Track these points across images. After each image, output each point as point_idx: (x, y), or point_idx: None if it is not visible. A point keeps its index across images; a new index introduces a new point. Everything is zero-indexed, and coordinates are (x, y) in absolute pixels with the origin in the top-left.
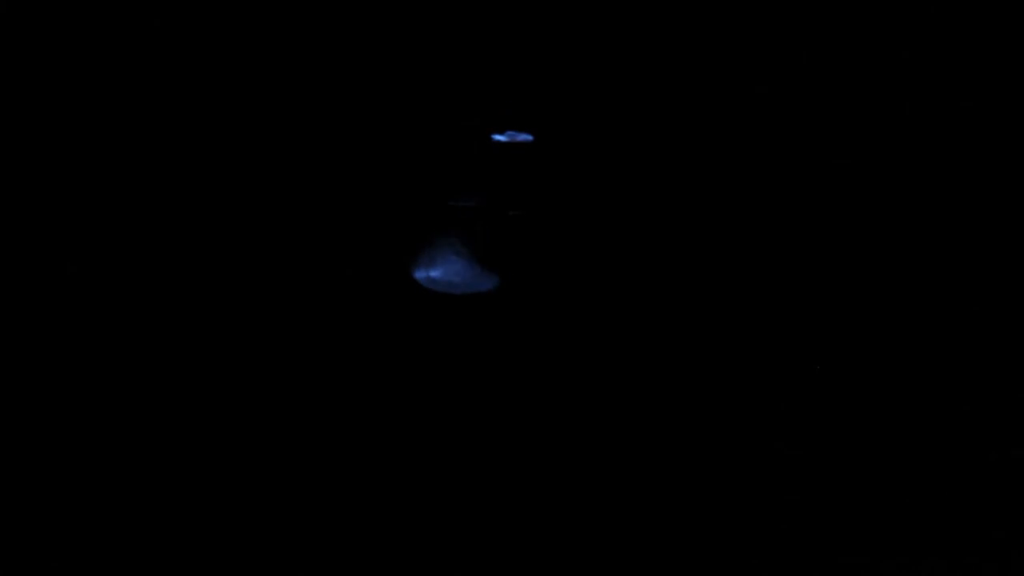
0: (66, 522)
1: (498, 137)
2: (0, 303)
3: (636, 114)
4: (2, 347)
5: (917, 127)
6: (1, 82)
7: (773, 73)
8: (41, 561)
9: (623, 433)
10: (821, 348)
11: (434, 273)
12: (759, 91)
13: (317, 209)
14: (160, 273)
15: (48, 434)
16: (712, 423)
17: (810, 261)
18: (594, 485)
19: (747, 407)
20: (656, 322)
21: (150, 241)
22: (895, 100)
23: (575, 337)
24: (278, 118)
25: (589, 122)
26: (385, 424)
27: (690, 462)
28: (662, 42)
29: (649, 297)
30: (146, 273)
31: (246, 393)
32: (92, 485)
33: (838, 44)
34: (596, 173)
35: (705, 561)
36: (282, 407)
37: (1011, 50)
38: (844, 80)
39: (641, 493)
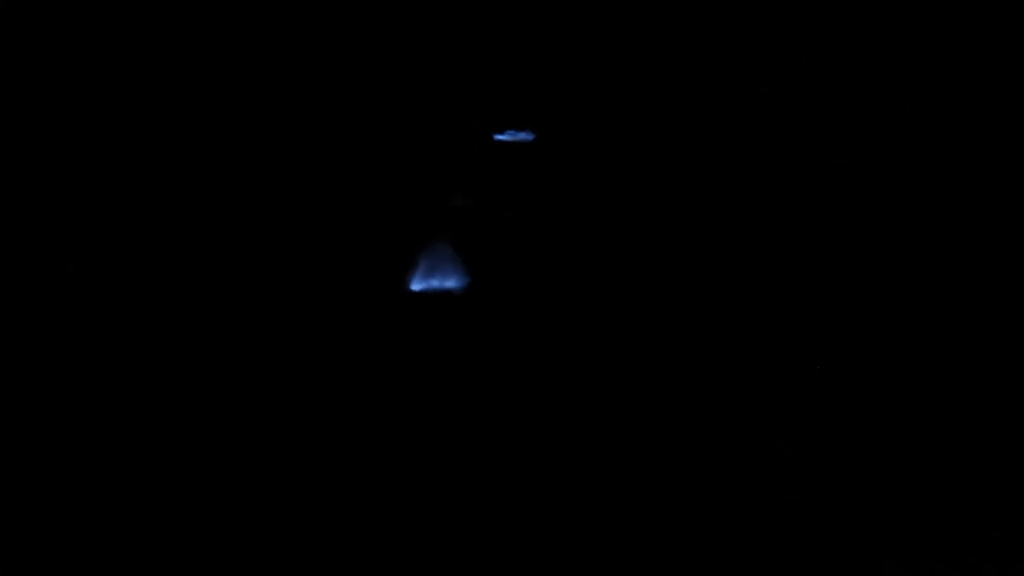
0: (66, 522)
1: (499, 136)
2: (0, 303)
3: (636, 114)
4: (2, 347)
5: (917, 127)
6: (1, 82)
7: (773, 73)
8: (41, 561)
9: (623, 433)
10: (821, 348)
11: (433, 282)
12: (759, 91)
13: (317, 209)
14: (160, 273)
15: (48, 434)
16: (712, 423)
17: (810, 261)
18: (594, 484)
19: (747, 407)
20: (656, 322)
21: (150, 241)
22: (895, 100)
23: (574, 337)
24: (278, 119)
25: (588, 122)
26: (379, 426)
27: (690, 462)
28: (662, 42)
29: (649, 298)
30: (146, 273)
31: (246, 390)
32: (92, 485)
33: (838, 44)
34: (595, 173)
35: (705, 561)
36: (281, 405)
37: (1011, 50)
38: (844, 80)
39: (641, 493)
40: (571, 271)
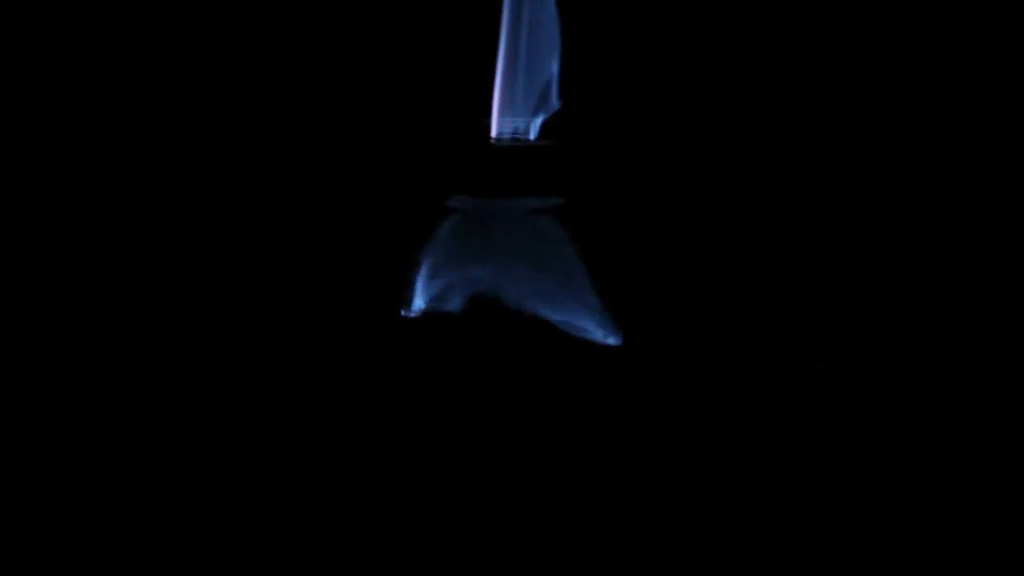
0: (66, 522)
1: (497, 132)
2: (0, 303)
3: (638, 114)
4: (2, 347)
5: (917, 126)
6: (1, 82)
7: (773, 73)
8: (41, 561)
9: (623, 432)
10: (821, 348)
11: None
12: (759, 91)
13: (320, 211)
14: (160, 273)
15: (48, 434)
16: (712, 423)
17: (810, 261)
18: (592, 484)
19: (747, 407)
20: (656, 321)
21: (150, 241)
22: (895, 100)
23: (577, 335)
24: (279, 120)
25: (588, 122)
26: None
27: (690, 462)
28: (662, 42)
29: (648, 296)
30: (146, 273)
31: (246, 397)
32: (91, 486)
33: (838, 44)
34: (594, 173)
35: (705, 561)
36: (281, 415)
37: (1011, 50)
38: (844, 80)
39: (640, 493)
40: (572, 270)
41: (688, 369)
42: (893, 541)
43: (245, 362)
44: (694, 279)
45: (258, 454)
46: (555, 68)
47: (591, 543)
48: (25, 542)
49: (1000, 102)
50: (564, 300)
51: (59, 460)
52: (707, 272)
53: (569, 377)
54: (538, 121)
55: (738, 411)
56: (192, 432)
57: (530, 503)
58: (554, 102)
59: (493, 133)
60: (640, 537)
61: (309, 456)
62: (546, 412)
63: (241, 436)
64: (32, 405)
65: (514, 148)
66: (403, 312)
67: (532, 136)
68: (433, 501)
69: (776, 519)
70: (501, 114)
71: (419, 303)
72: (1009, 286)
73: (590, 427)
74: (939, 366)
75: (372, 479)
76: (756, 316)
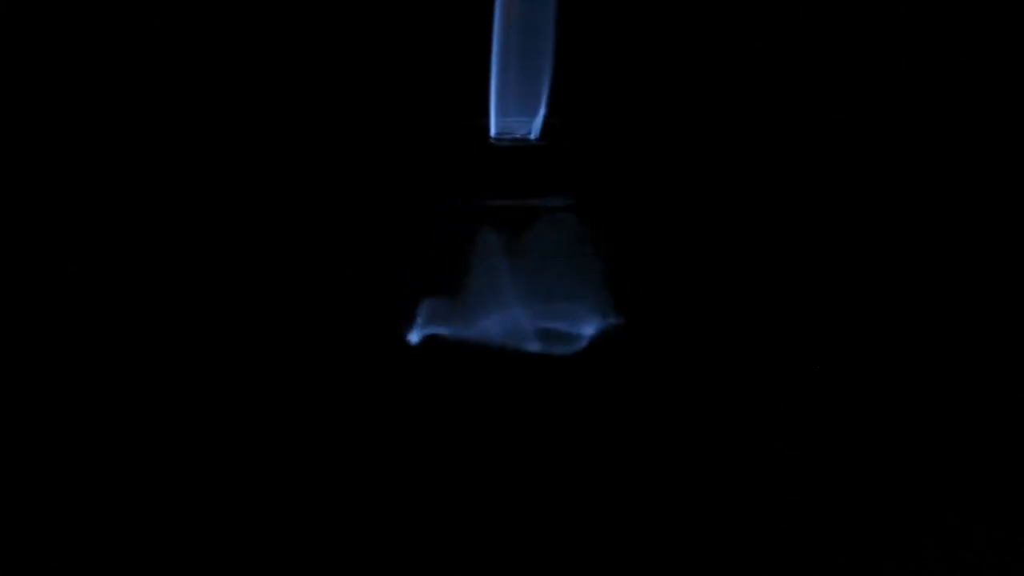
0: (66, 523)
1: (497, 132)
2: (0, 303)
3: (638, 114)
4: (2, 347)
5: (917, 126)
6: (1, 82)
7: (773, 73)
8: (41, 561)
9: (622, 432)
10: (821, 348)
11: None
12: (759, 91)
13: (319, 212)
14: (158, 274)
15: (48, 435)
16: (712, 423)
17: (810, 261)
18: (592, 484)
19: (747, 407)
20: (655, 321)
21: (149, 243)
22: (895, 100)
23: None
24: (278, 121)
25: (588, 122)
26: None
27: (690, 462)
28: (662, 41)
29: (648, 296)
30: (144, 275)
31: (244, 401)
32: (90, 487)
33: (838, 44)
34: (594, 173)
35: (705, 561)
36: (279, 419)
37: (1011, 50)
38: (844, 80)
39: (640, 493)
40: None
41: (688, 369)
42: (893, 541)
43: (242, 365)
44: (693, 280)
45: (258, 458)
46: (550, 66)
47: (592, 543)
48: (25, 542)
49: (1000, 102)
50: (565, 299)
51: (57, 460)
52: (706, 273)
53: (569, 376)
54: (537, 121)
55: (738, 410)
56: (191, 434)
57: (537, 504)
58: (545, 101)
59: (493, 133)
60: (640, 537)
61: (309, 458)
62: (546, 411)
63: (240, 441)
64: (32, 405)
65: (514, 148)
66: (402, 313)
67: (532, 136)
68: (449, 494)
69: (776, 519)
70: (499, 114)
71: (418, 303)
72: (1009, 286)
73: (590, 427)
74: (939, 366)
75: (374, 480)
76: (756, 316)
